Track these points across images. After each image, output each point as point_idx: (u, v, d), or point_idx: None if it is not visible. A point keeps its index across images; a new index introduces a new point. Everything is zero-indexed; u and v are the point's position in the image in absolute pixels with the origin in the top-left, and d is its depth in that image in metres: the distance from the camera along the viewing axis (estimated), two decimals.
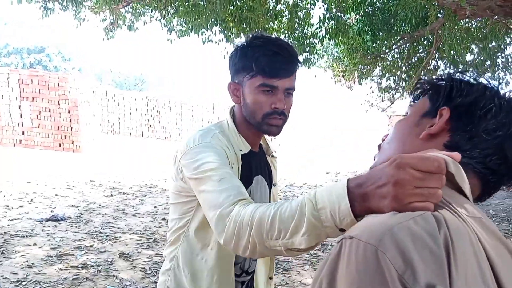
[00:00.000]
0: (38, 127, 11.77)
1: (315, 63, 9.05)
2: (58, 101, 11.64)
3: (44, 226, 5.05)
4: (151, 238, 4.86)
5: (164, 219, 5.77)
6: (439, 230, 0.55)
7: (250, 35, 1.26)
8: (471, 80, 0.73)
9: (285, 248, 0.87)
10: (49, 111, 11.69)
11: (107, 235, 4.87)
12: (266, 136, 1.42)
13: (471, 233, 0.59)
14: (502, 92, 0.72)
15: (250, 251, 0.94)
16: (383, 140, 0.83)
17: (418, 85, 0.80)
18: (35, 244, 4.37)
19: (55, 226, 5.11)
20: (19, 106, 11.76)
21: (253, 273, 1.40)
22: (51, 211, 5.76)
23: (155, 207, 6.51)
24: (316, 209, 0.79)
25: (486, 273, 0.56)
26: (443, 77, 0.76)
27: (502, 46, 8.02)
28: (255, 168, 1.33)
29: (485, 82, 0.72)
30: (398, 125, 0.79)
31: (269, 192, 1.40)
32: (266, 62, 1.18)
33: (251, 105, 1.23)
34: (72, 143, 11.74)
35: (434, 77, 0.79)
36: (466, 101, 0.70)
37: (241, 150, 1.27)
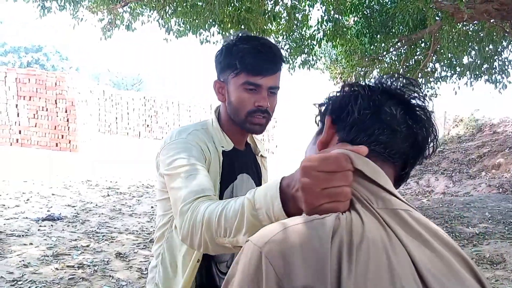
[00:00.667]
0: (35, 126, 11.74)
1: (313, 65, 9.07)
2: (55, 101, 11.62)
3: (40, 226, 5.04)
4: (148, 238, 4.86)
5: None
6: (334, 234, 0.56)
7: (236, 35, 1.27)
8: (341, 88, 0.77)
9: (233, 246, 0.91)
10: (46, 110, 11.66)
11: (104, 235, 4.86)
12: (259, 137, 1.45)
13: (383, 232, 0.59)
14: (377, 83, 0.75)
15: (204, 248, 0.97)
16: None
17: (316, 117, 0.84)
18: (31, 244, 4.36)
19: (52, 225, 5.09)
20: (16, 105, 11.73)
21: None
22: (48, 211, 5.75)
23: (151, 207, 6.50)
24: (255, 208, 0.83)
25: (398, 271, 0.56)
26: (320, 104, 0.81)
27: (499, 49, 8.05)
28: (239, 165, 1.34)
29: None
30: (305, 152, 0.82)
31: None
32: (250, 60, 1.19)
33: (234, 102, 1.24)
34: (69, 142, 11.71)
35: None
36: (336, 103, 0.74)
37: (222, 147, 1.28)
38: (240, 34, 1.27)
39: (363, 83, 0.75)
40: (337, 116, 0.73)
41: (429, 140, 0.73)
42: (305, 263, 0.53)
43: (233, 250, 0.93)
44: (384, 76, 0.76)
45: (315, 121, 0.84)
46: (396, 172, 0.72)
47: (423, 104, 0.73)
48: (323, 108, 0.79)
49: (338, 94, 0.76)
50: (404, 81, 0.75)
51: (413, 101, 0.73)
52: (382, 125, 0.69)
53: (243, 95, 1.22)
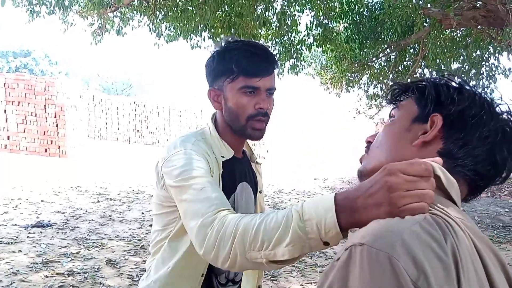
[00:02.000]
0: (24, 131, 11.63)
1: (302, 70, 9.12)
2: (45, 106, 11.53)
3: (29, 233, 4.99)
4: (138, 245, 4.83)
5: (151, 225, 5.73)
6: (445, 237, 0.57)
7: (224, 41, 1.26)
8: (456, 85, 0.74)
9: (267, 260, 0.85)
10: (35, 115, 11.56)
11: (94, 242, 4.82)
12: (250, 143, 1.42)
13: (466, 239, 0.61)
14: (487, 98, 0.74)
15: (230, 262, 0.91)
16: (368, 142, 0.84)
17: (397, 86, 0.81)
18: (20, 251, 4.32)
19: (41, 232, 5.04)
20: (5, 111, 11.61)
21: (240, 282, 1.38)
22: (37, 217, 5.69)
23: (142, 213, 6.46)
24: (302, 220, 0.79)
25: (482, 279, 0.58)
26: (426, 80, 0.77)
27: (486, 55, 8.17)
28: (239, 174, 1.31)
29: (469, 87, 0.74)
30: (388, 129, 0.79)
31: (255, 198, 1.39)
32: (246, 63, 1.18)
33: (234, 108, 1.22)
34: (59, 148, 11.61)
35: (414, 79, 0.80)
36: (459, 109, 0.70)
37: (223, 157, 1.25)
38: (229, 40, 1.26)
39: (485, 95, 0.73)
40: (452, 123, 0.71)
41: (508, 174, 0.74)
42: (433, 268, 0.53)
43: (264, 266, 0.88)
44: (499, 100, 0.74)
45: (391, 94, 0.81)
46: (469, 192, 0.74)
47: None
48: (429, 95, 0.74)
49: (458, 93, 0.73)
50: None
51: None
52: (489, 157, 0.70)
53: (243, 99, 1.20)
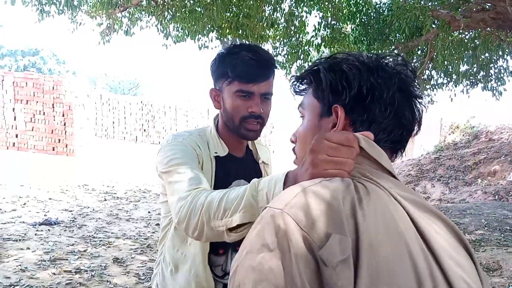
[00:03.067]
0: (32, 130, 11.71)
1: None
2: (53, 104, 11.60)
3: (37, 230, 5.02)
4: (145, 244, 4.85)
5: (158, 224, 5.76)
6: (346, 191, 0.61)
7: (230, 44, 1.33)
8: (342, 65, 0.74)
9: (226, 227, 0.94)
10: (43, 114, 11.64)
11: (101, 240, 4.85)
12: (256, 143, 1.48)
13: (387, 201, 0.63)
14: (373, 66, 0.74)
15: (198, 232, 1.01)
16: (292, 142, 0.87)
17: (295, 79, 0.83)
18: (28, 248, 4.35)
19: (49, 230, 5.08)
20: (13, 109, 11.70)
21: None
22: (44, 215, 5.74)
23: (149, 212, 6.49)
24: (256, 190, 0.89)
25: (409, 237, 0.60)
26: (316, 67, 0.77)
27: (494, 58, 8.13)
28: (235, 172, 1.36)
29: (355, 64, 0.74)
30: (301, 132, 0.82)
31: None
32: (242, 69, 1.24)
33: (229, 109, 1.29)
34: (66, 146, 11.68)
35: (306, 69, 0.81)
36: (352, 94, 0.73)
37: (216, 153, 1.33)
38: (233, 43, 1.31)
39: (366, 62, 0.74)
40: (352, 108, 0.73)
41: (419, 123, 0.78)
42: (323, 215, 0.58)
43: (225, 237, 0.97)
44: (389, 58, 0.77)
45: (295, 91, 0.84)
46: (393, 151, 0.78)
47: (417, 87, 0.77)
48: (324, 87, 0.76)
49: (346, 75, 0.73)
50: (409, 70, 0.76)
51: (412, 88, 0.75)
52: (396, 124, 0.74)
53: (237, 102, 1.27)
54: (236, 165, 1.37)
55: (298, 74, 0.83)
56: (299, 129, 0.83)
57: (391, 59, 0.77)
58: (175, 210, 1.07)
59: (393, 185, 0.68)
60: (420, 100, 0.76)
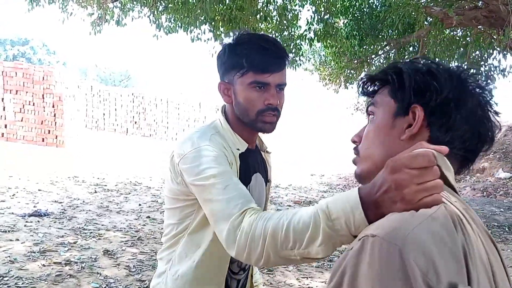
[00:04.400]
0: (21, 120, 11.58)
1: (300, 65, 9.13)
2: (43, 95, 11.48)
3: (26, 222, 4.99)
4: (136, 236, 4.84)
5: (148, 217, 5.75)
6: (456, 228, 0.59)
7: (236, 33, 1.24)
8: (429, 68, 0.75)
9: (301, 258, 0.89)
10: (33, 104, 11.52)
11: (91, 232, 4.83)
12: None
13: (472, 229, 0.62)
14: (461, 75, 0.75)
15: (264, 261, 0.94)
16: (353, 142, 0.85)
17: (368, 79, 0.82)
18: (17, 240, 4.32)
19: (38, 221, 5.05)
20: (2, 99, 11.56)
21: (248, 270, 1.40)
22: (34, 207, 5.69)
23: (139, 205, 6.47)
24: (331, 219, 0.81)
25: (487, 269, 0.60)
26: (397, 69, 0.77)
27: (485, 56, 8.19)
28: (252, 165, 1.31)
29: (441, 70, 0.75)
30: (372, 129, 0.80)
31: (265, 188, 1.39)
32: (257, 58, 1.16)
33: (243, 103, 1.21)
34: (56, 138, 11.58)
35: (382, 69, 0.81)
36: (436, 96, 0.72)
37: (238, 149, 1.25)
38: (241, 32, 1.24)
39: (459, 71, 0.75)
40: (431, 111, 0.73)
41: (491, 144, 0.78)
42: (444, 260, 0.54)
43: (298, 262, 0.91)
44: (468, 71, 0.77)
45: (362, 88, 0.83)
46: (462, 163, 0.77)
47: (496, 110, 0.77)
48: (406, 85, 0.75)
49: (432, 78, 0.74)
50: (483, 83, 0.77)
51: (490, 101, 0.76)
52: (473, 134, 0.73)
53: (252, 95, 1.19)
54: (252, 159, 1.32)
55: (369, 75, 0.82)
56: (368, 127, 0.81)
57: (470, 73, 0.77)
58: (229, 242, 0.99)
59: (461, 204, 0.67)
60: (497, 117, 0.76)
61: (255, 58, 1.16)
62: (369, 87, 0.82)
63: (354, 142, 0.85)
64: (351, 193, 0.78)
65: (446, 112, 0.72)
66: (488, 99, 0.75)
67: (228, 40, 1.26)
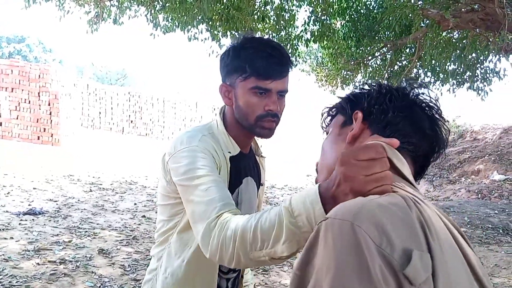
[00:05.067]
0: (17, 118, 11.53)
1: (296, 65, 9.14)
2: (39, 93, 11.43)
3: (21, 220, 4.97)
4: (131, 235, 4.83)
5: (144, 216, 5.74)
6: (409, 204, 0.60)
7: (241, 36, 1.24)
8: (364, 85, 0.84)
9: (269, 258, 0.90)
10: (29, 102, 11.47)
11: (86, 231, 4.82)
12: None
13: (430, 210, 0.64)
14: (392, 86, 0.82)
15: (235, 263, 0.96)
16: (316, 166, 0.88)
17: (325, 111, 0.89)
18: (11, 238, 4.30)
19: (33, 220, 5.03)
20: None
21: (239, 270, 1.41)
22: (29, 205, 5.67)
23: (135, 204, 6.46)
24: (293, 216, 0.82)
25: (452, 244, 0.62)
26: (341, 99, 0.86)
27: (481, 58, 8.23)
28: (244, 169, 1.32)
29: (373, 83, 0.83)
30: (324, 144, 0.85)
31: (257, 192, 1.40)
32: (260, 64, 1.16)
33: (243, 107, 1.21)
34: (51, 136, 11.53)
35: (332, 104, 0.89)
36: (369, 99, 0.78)
37: (229, 152, 1.25)
38: (246, 36, 1.23)
39: (388, 85, 0.81)
40: (369, 112, 0.78)
41: (442, 146, 0.79)
42: (396, 229, 0.55)
43: (268, 263, 0.93)
44: (406, 82, 0.82)
45: (322, 121, 0.88)
46: (414, 170, 0.78)
47: (442, 116, 0.80)
48: (346, 104, 0.83)
49: (366, 91, 0.81)
50: (427, 91, 0.81)
51: (436, 110, 0.79)
52: (414, 128, 0.76)
53: (253, 100, 1.19)
54: (245, 163, 1.32)
55: (325, 107, 0.89)
56: (322, 144, 0.86)
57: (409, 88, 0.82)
58: (203, 243, 1.01)
59: (418, 195, 0.68)
60: (441, 118, 0.79)
61: (258, 64, 1.16)
62: (327, 118, 0.89)
63: (316, 166, 0.88)
64: (311, 189, 0.80)
65: (381, 111, 0.76)
66: (426, 101, 0.79)
67: (228, 41, 1.26)
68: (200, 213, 1.05)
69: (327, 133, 0.88)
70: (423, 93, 0.81)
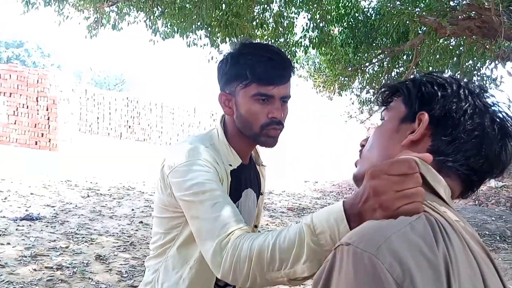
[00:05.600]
0: (15, 123, 11.52)
1: (295, 72, 9.16)
2: (37, 98, 11.44)
3: (18, 225, 4.95)
4: (128, 241, 4.82)
5: (141, 222, 5.73)
6: (436, 238, 0.57)
7: (238, 42, 1.19)
8: (440, 80, 0.74)
9: (288, 279, 0.86)
10: (27, 107, 11.47)
11: (83, 237, 4.81)
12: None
13: (459, 240, 0.61)
14: (475, 90, 0.73)
15: (251, 283, 0.91)
16: (362, 146, 0.84)
17: (385, 88, 0.81)
18: (8, 244, 4.29)
19: (30, 225, 5.02)
20: None
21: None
22: (26, 210, 5.65)
23: (132, 210, 6.45)
24: (315, 234, 0.79)
25: (476, 284, 0.59)
26: (413, 80, 0.77)
27: (478, 65, 8.27)
28: (244, 181, 1.27)
29: (455, 82, 0.74)
30: (378, 131, 0.79)
31: (257, 202, 1.37)
32: (261, 70, 1.11)
33: (246, 115, 1.15)
34: (49, 141, 11.52)
35: (402, 80, 0.80)
36: (443, 105, 0.70)
37: (230, 165, 1.20)
38: (243, 42, 1.19)
39: (469, 86, 0.73)
40: (438, 120, 0.70)
41: (503, 170, 0.73)
42: (421, 270, 0.52)
43: (286, 284, 0.88)
44: (484, 87, 0.74)
45: (379, 96, 0.81)
46: (465, 188, 0.73)
47: None
48: (415, 93, 0.75)
49: (441, 88, 0.72)
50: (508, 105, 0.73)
51: (510, 127, 0.71)
52: (479, 151, 0.69)
53: (255, 107, 1.14)
54: (245, 175, 1.27)
55: (386, 84, 0.81)
56: (375, 129, 0.80)
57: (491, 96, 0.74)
58: (214, 263, 0.96)
59: (452, 215, 0.65)
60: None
61: (259, 69, 1.11)
62: (387, 97, 0.81)
63: (362, 145, 0.83)
64: (335, 205, 0.76)
65: (452, 124, 0.69)
66: (505, 118, 0.71)
67: (228, 48, 1.21)
68: (208, 231, 1.00)
69: (381, 117, 0.81)
70: (498, 103, 0.72)
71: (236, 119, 1.20)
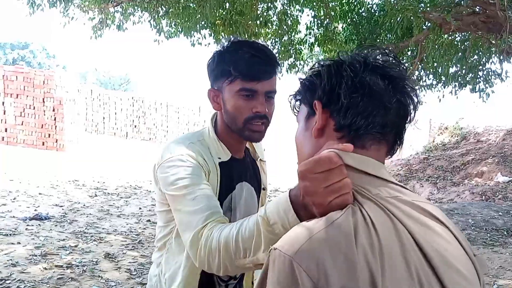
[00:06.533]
0: (22, 124, 11.62)
1: (300, 69, 9.17)
2: (43, 99, 11.52)
3: (27, 225, 5.01)
4: (136, 240, 4.87)
5: (149, 220, 5.78)
6: (356, 230, 0.59)
7: (226, 41, 1.23)
8: (315, 69, 0.77)
9: (254, 265, 0.93)
10: (34, 108, 11.56)
11: (92, 236, 4.86)
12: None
13: (389, 218, 0.63)
14: (346, 60, 0.74)
15: (223, 270, 0.99)
16: None
17: (290, 98, 0.84)
18: (19, 243, 4.35)
19: (39, 225, 5.07)
20: (3, 103, 11.59)
21: (241, 277, 1.39)
22: (35, 210, 5.72)
23: (140, 208, 6.50)
24: (270, 224, 0.85)
25: (412, 250, 0.61)
26: (300, 81, 0.81)
27: (483, 60, 8.23)
28: (237, 175, 1.31)
29: (333, 62, 0.75)
30: (296, 137, 0.82)
31: (258, 196, 1.40)
32: (245, 66, 1.15)
33: (231, 110, 1.20)
34: (56, 141, 11.61)
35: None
36: (323, 86, 0.73)
37: (219, 158, 1.24)
38: (231, 39, 1.23)
39: (341, 59, 0.75)
40: (328, 100, 0.73)
41: (413, 107, 0.74)
42: (337, 267, 0.56)
43: (254, 269, 0.97)
44: (360, 49, 0.77)
45: (292, 109, 0.84)
46: (390, 144, 0.75)
47: (404, 74, 0.73)
48: (302, 90, 0.79)
49: (316, 75, 0.76)
50: (380, 52, 0.75)
51: (394, 72, 0.72)
52: (375, 106, 0.70)
53: (240, 102, 1.18)
54: (238, 168, 1.31)
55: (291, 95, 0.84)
56: (295, 138, 0.84)
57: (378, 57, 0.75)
58: (192, 253, 1.04)
59: (384, 190, 0.67)
60: (406, 83, 0.73)
61: (242, 66, 1.16)
62: (294, 105, 0.84)
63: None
64: (282, 197, 0.82)
65: (337, 96, 0.71)
66: (385, 66, 0.73)
67: (217, 47, 1.25)
68: (187, 223, 1.07)
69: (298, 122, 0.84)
70: (379, 55, 0.74)
71: (223, 114, 1.25)
